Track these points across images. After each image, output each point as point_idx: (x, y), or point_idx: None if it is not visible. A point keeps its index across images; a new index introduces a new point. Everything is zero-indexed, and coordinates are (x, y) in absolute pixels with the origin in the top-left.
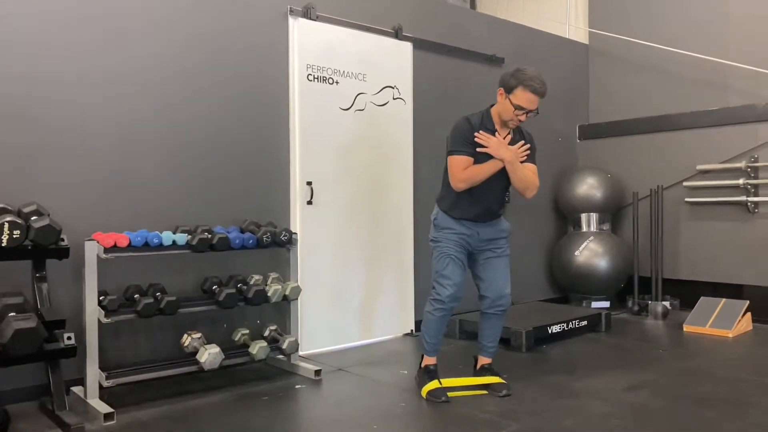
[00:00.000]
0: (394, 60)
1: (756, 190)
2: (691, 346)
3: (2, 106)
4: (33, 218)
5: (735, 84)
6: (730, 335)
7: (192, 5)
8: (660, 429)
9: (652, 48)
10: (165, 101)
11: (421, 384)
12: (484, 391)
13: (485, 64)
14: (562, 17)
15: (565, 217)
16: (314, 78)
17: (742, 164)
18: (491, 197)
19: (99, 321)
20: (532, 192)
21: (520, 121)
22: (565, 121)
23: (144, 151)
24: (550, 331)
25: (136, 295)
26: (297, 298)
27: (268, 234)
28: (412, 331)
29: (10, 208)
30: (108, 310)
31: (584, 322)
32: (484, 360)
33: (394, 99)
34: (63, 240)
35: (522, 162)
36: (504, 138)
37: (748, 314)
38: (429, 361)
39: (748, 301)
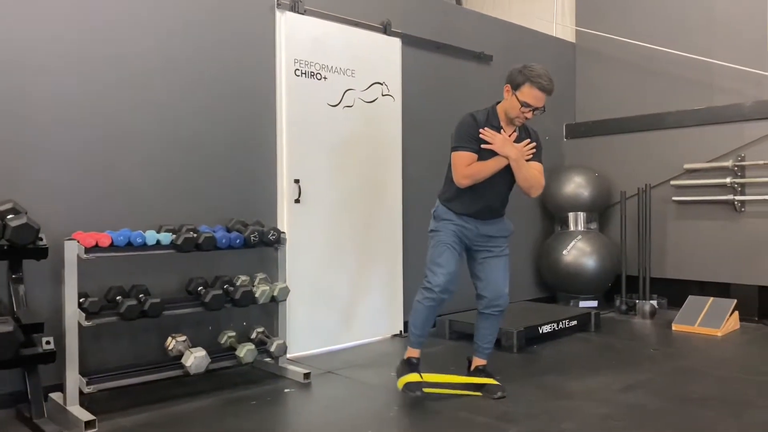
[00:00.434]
0: (382, 56)
1: (743, 189)
2: (681, 346)
3: None
4: (9, 217)
5: (721, 83)
6: (719, 334)
7: None
8: (660, 430)
9: (639, 47)
10: (148, 96)
11: (399, 374)
12: (478, 393)
13: (473, 62)
14: (549, 15)
15: (552, 216)
16: (302, 73)
17: (729, 163)
18: (494, 195)
19: (79, 324)
20: (537, 191)
21: (526, 118)
22: (552, 120)
23: (126, 148)
24: (540, 331)
25: (118, 297)
26: (285, 299)
27: (256, 233)
28: (401, 332)
29: None
30: (89, 313)
31: (574, 322)
32: (478, 361)
33: (383, 96)
34: (41, 239)
35: (527, 160)
36: (510, 135)
37: (736, 313)
38: (412, 353)
39: (735, 300)
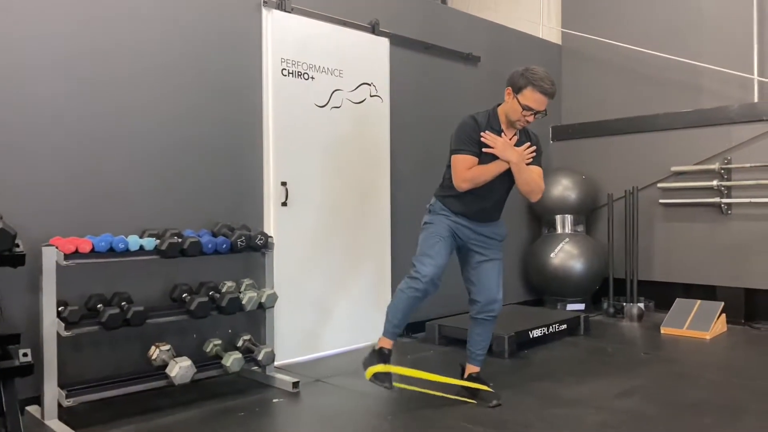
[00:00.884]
0: (371, 56)
1: (729, 191)
2: (671, 349)
3: None
4: None
5: (708, 86)
6: (708, 337)
7: None
8: None
9: (625, 49)
10: (130, 97)
11: (367, 364)
12: (473, 401)
13: (461, 63)
14: (534, 16)
15: (539, 219)
16: (289, 73)
17: (715, 166)
18: (493, 198)
19: (58, 334)
20: (537, 195)
21: (527, 122)
22: (538, 122)
23: (107, 150)
24: (531, 336)
25: (99, 305)
26: (273, 306)
27: (243, 238)
28: None
29: None
30: (68, 323)
31: (564, 326)
32: (471, 368)
33: (371, 96)
34: (18, 246)
35: (527, 164)
36: (510, 139)
37: (723, 315)
38: (385, 343)
39: (723, 303)
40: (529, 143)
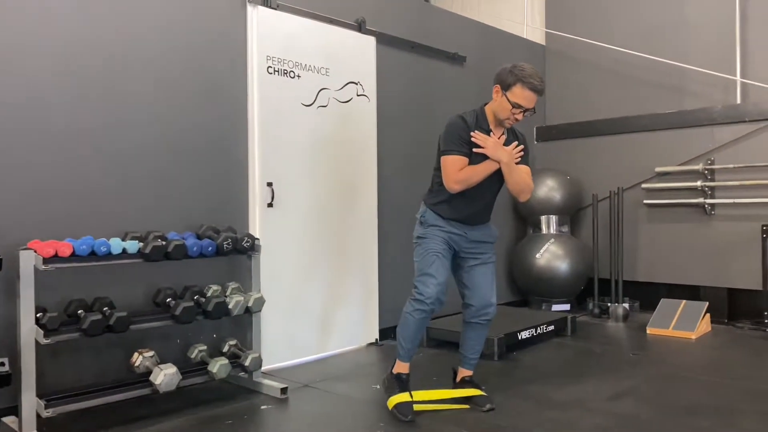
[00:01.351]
0: (357, 55)
1: (713, 192)
2: (659, 349)
3: None
4: None
5: (691, 87)
6: (693, 337)
7: None
8: None
9: (609, 50)
10: (111, 96)
11: (389, 392)
12: (466, 406)
13: (447, 62)
14: (517, 16)
15: (524, 220)
16: (274, 71)
17: (699, 166)
18: (483, 199)
19: (36, 342)
20: (527, 195)
21: (516, 120)
22: (522, 123)
23: (87, 150)
24: (520, 337)
25: (80, 311)
26: (260, 310)
27: (229, 240)
28: (376, 340)
29: None
30: (47, 330)
31: (551, 327)
32: (464, 372)
33: (357, 96)
34: None
35: (516, 163)
36: (499, 138)
37: (707, 315)
38: (401, 368)
39: (707, 303)
40: (516, 142)
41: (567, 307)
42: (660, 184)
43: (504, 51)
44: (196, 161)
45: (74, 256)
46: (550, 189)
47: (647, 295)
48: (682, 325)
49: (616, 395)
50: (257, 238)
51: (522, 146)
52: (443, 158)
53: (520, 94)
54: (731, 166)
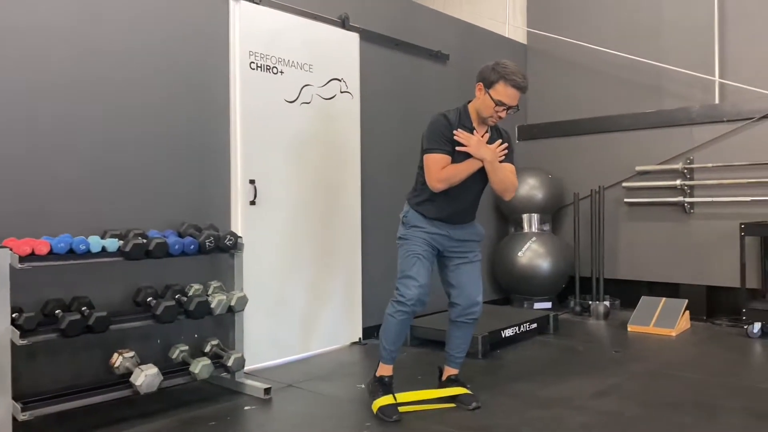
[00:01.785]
0: (341, 51)
1: (692, 191)
2: (640, 347)
3: None
4: None
5: (670, 87)
6: (674, 334)
7: None
8: None
9: (589, 49)
10: (90, 92)
11: (373, 395)
12: (452, 405)
13: (430, 60)
14: (499, 15)
15: (506, 218)
16: (257, 66)
17: (678, 165)
18: (467, 198)
19: (12, 343)
20: (511, 194)
21: (499, 117)
22: (504, 121)
23: (66, 145)
24: (503, 335)
25: (57, 311)
26: (243, 310)
27: (211, 238)
28: (360, 339)
29: None
30: (24, 330)
31: (534, 325)
32: (450, 371)
33: (341, 92)
34: None
35: (500, 161)
36: (482, 136)
37: (687, 312)
38: (384, 370)
39: (687, 300)
40: (500, 140)
41: (548, 305)
42: (640, 183)
43: (486, 50)
44: (177, 158)
45: (52, 255)
46: (531, 188)
47: (628, 293)
48: (663, 322)
49: (600, 392)
50: (240, 237)
51: (506, 144)
52: (426, 157)
53: (503, 92)
54: (710, 165)
